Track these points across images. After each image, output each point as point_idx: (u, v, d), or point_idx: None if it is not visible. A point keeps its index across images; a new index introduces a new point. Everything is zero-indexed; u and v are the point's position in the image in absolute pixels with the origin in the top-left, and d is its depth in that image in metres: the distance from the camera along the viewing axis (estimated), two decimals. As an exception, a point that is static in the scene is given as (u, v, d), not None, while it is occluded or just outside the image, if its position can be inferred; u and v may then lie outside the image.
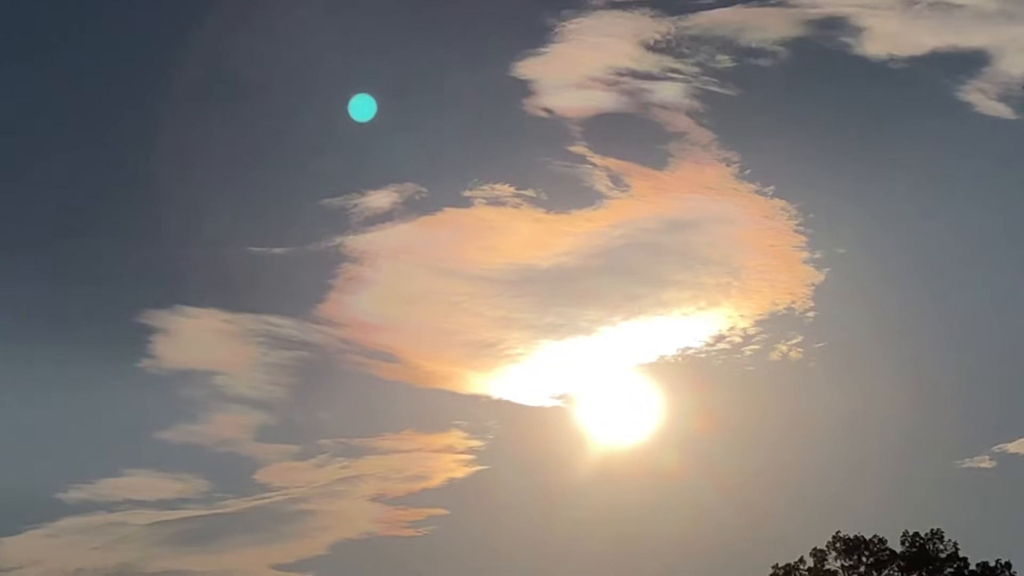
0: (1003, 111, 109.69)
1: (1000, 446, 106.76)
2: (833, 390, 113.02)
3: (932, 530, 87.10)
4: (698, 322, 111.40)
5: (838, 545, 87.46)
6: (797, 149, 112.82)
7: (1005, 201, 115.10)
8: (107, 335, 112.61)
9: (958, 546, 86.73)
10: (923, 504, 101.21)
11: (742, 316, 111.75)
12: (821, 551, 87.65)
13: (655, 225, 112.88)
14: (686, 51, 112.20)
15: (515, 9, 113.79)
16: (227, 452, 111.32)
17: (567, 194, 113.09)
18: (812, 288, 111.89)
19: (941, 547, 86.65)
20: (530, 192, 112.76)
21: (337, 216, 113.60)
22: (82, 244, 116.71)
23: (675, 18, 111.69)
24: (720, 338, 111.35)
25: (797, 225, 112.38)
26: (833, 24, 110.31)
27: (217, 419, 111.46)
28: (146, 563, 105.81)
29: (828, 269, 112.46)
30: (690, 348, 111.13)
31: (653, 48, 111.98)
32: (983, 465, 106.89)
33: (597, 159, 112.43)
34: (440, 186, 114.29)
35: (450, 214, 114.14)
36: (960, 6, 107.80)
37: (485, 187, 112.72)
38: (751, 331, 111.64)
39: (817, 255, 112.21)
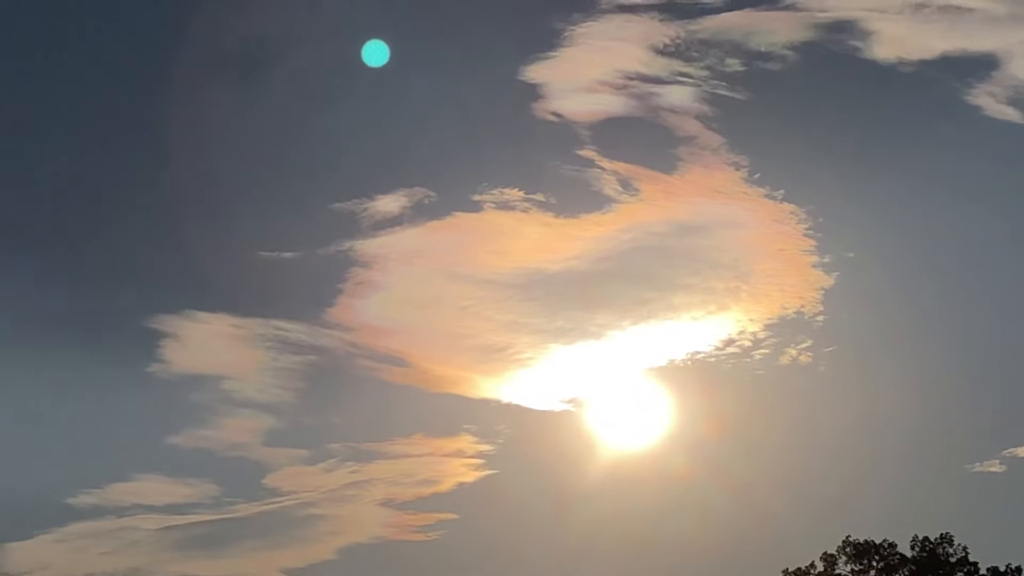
0: (1013, 115, 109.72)
1: (1010, 450, 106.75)
2: (843, 394, 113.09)
3: (942, 534, 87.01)
4: (708, 326, 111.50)
5: (848, 549, 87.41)
6: (806, 153, 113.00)
7: (1015, 205, 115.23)
8: (117, 339, 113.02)
9: (968, 550, 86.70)
10: (933, 508, 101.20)
11: (752, 320, 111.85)
12: (831, 555, 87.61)
13: (664, 229, 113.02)
14: (695, 55, 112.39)
15: (524, 13, 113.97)
16: (236, 456, 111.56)
17: (576, 198, 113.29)
18: (821, 292, 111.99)
19: (951, 552, 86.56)
20: (539, 196, 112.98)
21: (347, 220, 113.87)
22: (92, 249, 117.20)
23: (684, 22, 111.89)
24: (730, 342, 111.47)
25: (806, 229, 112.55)
26: (842, 28, 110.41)
27: (226, 423, 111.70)
28: (155, 568, 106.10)
29: (837, 273, 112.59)
30: (700, 352, 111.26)
31: (662, 52, 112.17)
32: (993, 469, 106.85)
33: (606, 163, 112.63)
34: (449, 190, 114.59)
35: (459, 218, 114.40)
36: (969, 10, 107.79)
37: (494, 191, 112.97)
38: (761, 335, 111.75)
39: (826, 259, 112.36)
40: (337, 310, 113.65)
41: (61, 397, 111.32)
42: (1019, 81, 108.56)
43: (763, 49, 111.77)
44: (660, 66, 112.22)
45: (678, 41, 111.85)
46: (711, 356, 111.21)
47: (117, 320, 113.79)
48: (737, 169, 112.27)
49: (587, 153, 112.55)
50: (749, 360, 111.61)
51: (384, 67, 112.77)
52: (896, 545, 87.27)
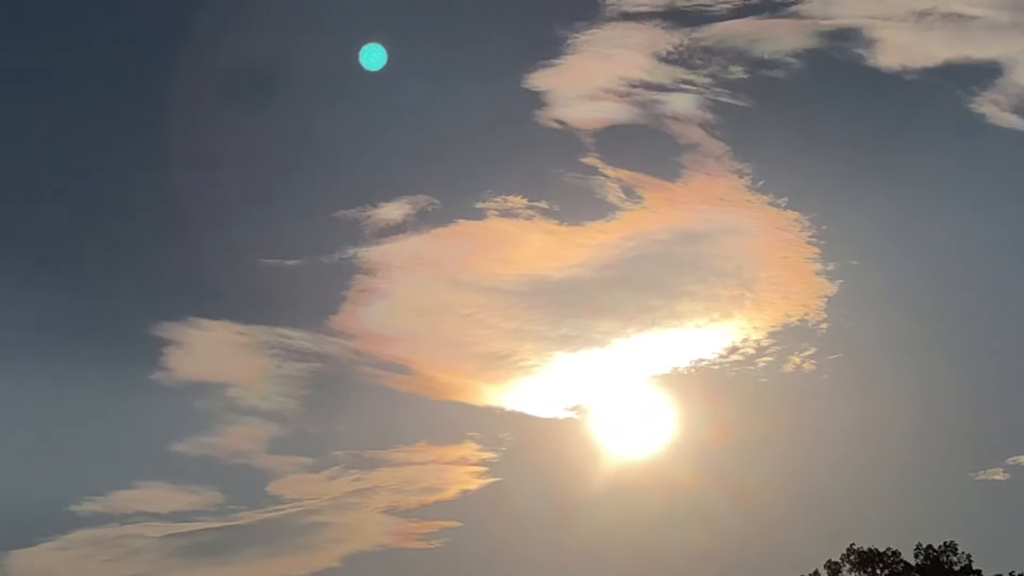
0: (1016, 122, 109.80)
1: (1014, 458, 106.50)
2: (846, 402, 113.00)
3: (946, 542, 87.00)
4: (711, 334, 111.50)
5: (852, 557, 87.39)
6: (810, 160, 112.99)
7: (1019, 212, 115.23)
8: (121, 347, 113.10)
9: (972, 559, 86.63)
10: (937, 516, 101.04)
11: (755, 328, 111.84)
12: (835, 563, 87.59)
13: (668, 237, 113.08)
14: (698, 62, 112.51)
15: (528, 21, 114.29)
16: (240, 464, 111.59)
17: (580, 206, 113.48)
18: (825, 300, 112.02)
19: (955, 559, 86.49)
20: (543, 204, 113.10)
21: (350, 228, 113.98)
22: (96, 257, 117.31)
23: (688, 30, 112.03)
24: (733, 350, 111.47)
25: (810, 237, 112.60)
26: (846, 36, 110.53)
27: (230, 431, 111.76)
28: (159, 575, 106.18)
29: (841, 281, 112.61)
30: (703, 360, 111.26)
31: (666, 60, 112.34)
32: (997, 477, 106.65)
33: (610, 171, 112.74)
34: (453, 198, 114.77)
35: (463, 226, 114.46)
36: (973, 18, 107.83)
37: (498, 199, 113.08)
38: (764, 343, 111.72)
39: (830, 267, 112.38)
40: (341, 318, 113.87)
41: (65, 405, 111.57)
42: (1022, 89, 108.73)
43: (767, 57, 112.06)
44: (664, 74, 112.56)
45: (682, 49, 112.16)
46: (715, 364, 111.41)
47: (121, 328, 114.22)
48: (741, 177, 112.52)
49: (591, 160, 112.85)
50: (753, 368, 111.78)
51: (388, 75, 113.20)
52: (900, 553, 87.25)
